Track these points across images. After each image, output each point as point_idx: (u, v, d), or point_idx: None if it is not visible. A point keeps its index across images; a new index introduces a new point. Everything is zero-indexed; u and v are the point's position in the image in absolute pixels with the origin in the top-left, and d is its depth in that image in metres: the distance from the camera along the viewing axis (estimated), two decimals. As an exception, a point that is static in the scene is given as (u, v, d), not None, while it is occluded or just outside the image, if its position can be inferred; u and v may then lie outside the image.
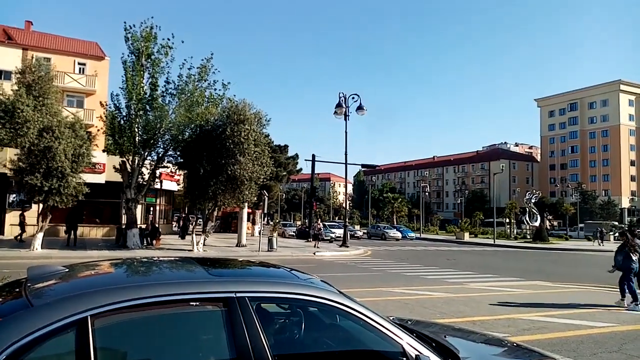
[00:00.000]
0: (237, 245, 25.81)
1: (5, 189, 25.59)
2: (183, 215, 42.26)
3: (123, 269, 2.75)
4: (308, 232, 34.61)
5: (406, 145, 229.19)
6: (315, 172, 34.73)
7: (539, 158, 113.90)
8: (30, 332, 1.76)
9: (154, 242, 23.38)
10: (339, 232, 35.75)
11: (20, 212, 23.02)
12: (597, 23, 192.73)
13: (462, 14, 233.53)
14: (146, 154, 22.62)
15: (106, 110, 22.98)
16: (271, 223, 35.16)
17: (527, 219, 49.28)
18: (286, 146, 54.31)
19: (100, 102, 24.21)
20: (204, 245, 22.16)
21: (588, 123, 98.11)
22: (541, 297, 11.54)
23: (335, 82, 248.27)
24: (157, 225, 25.89)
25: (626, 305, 10.23)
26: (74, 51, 39.36)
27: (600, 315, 9.21)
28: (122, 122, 22.35)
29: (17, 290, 2.22)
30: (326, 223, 44.16)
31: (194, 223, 27.92)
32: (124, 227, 22.82)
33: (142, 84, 21.95)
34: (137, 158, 22.26)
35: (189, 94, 21.89)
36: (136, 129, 22.16)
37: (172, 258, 3.15)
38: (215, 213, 23.66)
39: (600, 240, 40.63)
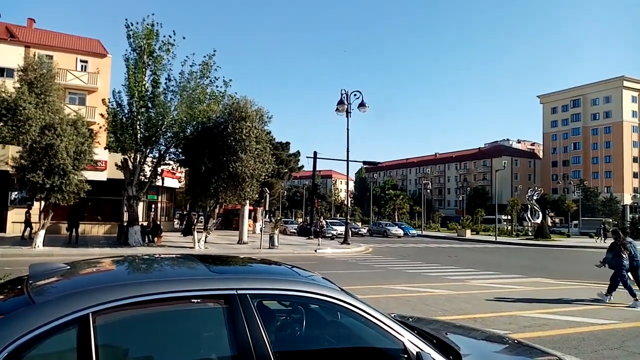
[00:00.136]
0: (238, 243, 25.83)
1: (8, 186, 25.65)
2: (185, 212, 42.38)
3: (124, 266, 2.76)
4: (309, 230, 34.62)
5: (408, 143, 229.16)
6: (317, 169, 34.71)
7: (541, 155, 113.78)
8: (32, 330, 1.77)
9: (156, 239, 23.41)
10: (341, 229, 35.77)
11: (26, 209, 23.07)
12: (599, 19, 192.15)
13: (464, 12, 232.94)
14: (148, 151, 22.63)
15: (108, 108, 23.00)
16: (273, 220, 35.20)
17: (529, 216, 49.21)
18: (288, 143, 54.30)
19: (102, 100, 24.21)
20: (205, 242, 22.18)
21: (591, 119, 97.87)
22: (542, 294, 11.53)
23: (336, 80, 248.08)
24: (158, 223, 25.92)
25: (607, 301, 10.35)
26: (76, 48, 39.40)
27: (602, 312, 9.20)
28: (124, 119, 22.35)
29: (19, 287, 2.23)
30: (328, 220, 44.18)
31: (195, 220, 27.95)
32: (125, 224, 22.86)
33: (144, 81, 21.95)
34: (138, 155, 22.27)
35: (190, 91, 21.88)
36: (138, 126, 22.16)
37: (174, 255, 3.16)
38: (216, 210, 23.68)
39: (602, 237, 40.49)
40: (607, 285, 10.73)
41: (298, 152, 56.11)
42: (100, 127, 22.77)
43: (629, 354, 6.22)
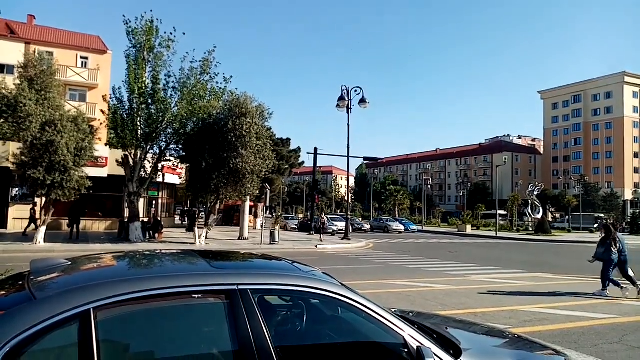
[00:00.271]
0: (239, 238, 25.86)
1: (9, 183, 25.67)
2: (186, 208, 42.36)
3: (126, 261, 2.76)
4: (310, 225, 34.65)
5: (409, 138, 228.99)
6: (318, 165, 34.73)
7: (542, 150, 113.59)
8: (33, 325, 1.77)
9: (157, 235, 23.45)
10: (341, 225, 35.77)
11: (31, 206, 23.10)
12: (600, 15, 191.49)
13: (464, 10, 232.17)
14: (148, 147, 22.63)
15: (109, 104, 22.99)
16: (273, 216, 35.19)
17: (530, 211, 49.23)
18: (288, 139, 54.15)
19: (103, 96, 24.20)
20: (206, 238, 22.21)
21: (591, 115, 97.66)
22: (543, 289, 11.55)
23: (336, 76, 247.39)
24: (159, 219, 25.96)
25: (607, 294, 10.50)
26: (77, 45, 39.35)
27: (601, 307, 9.22)
28: (124, 115, 22.34)
29: (21, 283, 2.24)
30: (328, 216, 44.16)
31: (196, 217, 27.97)
32: (126, 220, 22.89)
33: (144, 78, 21.93)
34: (139, 152, 22.27)
35: (191, 87, 21.86)
36: (138, 123, 22.16)
37: (175, 251, 3.17)
38: (217, 206, 23.71)
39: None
40: (602, 281, 10.84)
41: (299, 148, 55.93)
42: (101, 124, 22.76)
43: (628, 348, 6.24)
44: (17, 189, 26.23)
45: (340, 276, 3.18)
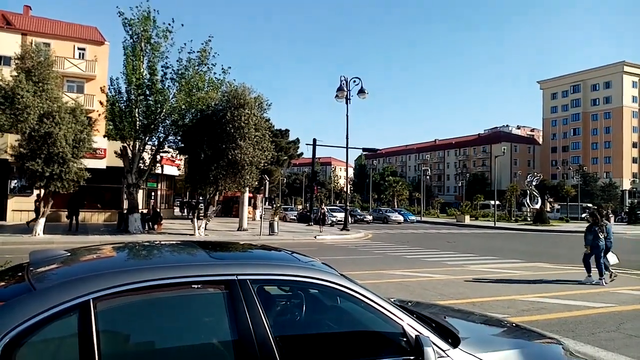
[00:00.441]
0: (238, 230, 25.90)
1: (7, 175, 25.62)
2: (185, 199, 42.33)
3: (125, 252, 2.77)
4: (309, 216, 34.68)
5: (407, 129, 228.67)
6: (317, 156, 34.63)
7: (540, 141, 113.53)
8: (33, 316, 1.78)
9: (156, 226, 23.47)
10: (340, 215, 35.80)
11: (36, 198, 23.08)
12: (599, 5, 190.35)
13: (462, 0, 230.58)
14: (147, 139, 22.55)
15: (107, 95, 22.88)
16: (272, 207, 35.23)
17: (528, 201, 49.30)
18: (287, 130, 54.17)
19: (101, 88, 24.07)
20: (205, 229, 22.24)
21: (590, 105, 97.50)
22: (541, 278, 11.61)
23: (336, 67, 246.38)
24: (158, 210, 25.96)
25: (605, 283, 10.73)
26: (74, 36, 39.06)
27: (599, 296, 9.27)
28: (122, 107, 22.26)
29: (20, 274, 2.24)
30: (328, 207, 44.16)
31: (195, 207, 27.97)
32: (125, 212, 22.89)
33: (141, 69, 21.80)
34: (137, 143, 22.21)
35: (189, 78, 21.75)
36: (137, 114, 22.07)
37: (174, 242, 3.17)
38: (216, 197, 23.71)
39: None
40: (597, 270, 11.04)
41: (297, 140, 56.04)
42: (99, 115, 22.67)
43: (625, 336, 6.29)
44: (15, 181, 26.19)
45: (339, 266, 3.19)
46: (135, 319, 2.11)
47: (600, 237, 11.10)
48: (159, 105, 21.54)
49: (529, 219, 47.08)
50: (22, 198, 26.12)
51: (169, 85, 21.91)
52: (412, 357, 2.21)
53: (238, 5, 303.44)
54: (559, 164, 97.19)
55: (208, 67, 22.36)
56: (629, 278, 12.13)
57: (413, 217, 50.15)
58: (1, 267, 4.73)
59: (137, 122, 22.04)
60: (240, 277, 2.17)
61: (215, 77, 22.91)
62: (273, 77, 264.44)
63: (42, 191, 19.33)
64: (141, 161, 22.40)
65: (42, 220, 18.86)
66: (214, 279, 2.16)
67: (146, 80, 21.75)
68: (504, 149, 63.36)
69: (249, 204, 33.10)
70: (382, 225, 41.22)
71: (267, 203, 41.30)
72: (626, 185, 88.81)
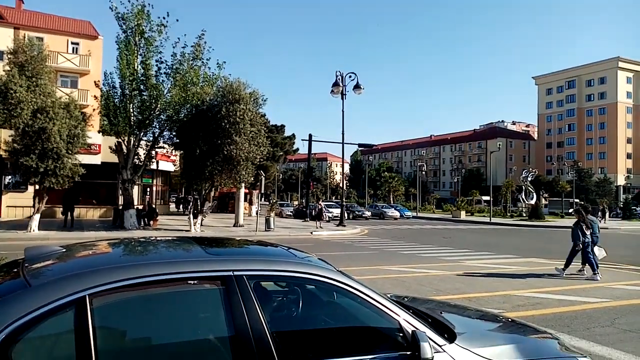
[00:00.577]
0: (234, 226, 25.87)
1: (1, 170, 25.48)
2: (181, 195, 42.17)
3: (121, 248, 2.75)
4: (305, 212, 34.68)
5: (403, 125, 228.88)
6: (312, 152, 34.67)
7: (535, 136, 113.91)
8: (28, 312, 1.77)
9: (151, 222, 23.41)
10: (336, 211, 35.82)
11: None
12: (595, 1, 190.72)
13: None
14: (142, 134, 22.47)
15: (101, 90, 22.75)
16: (269, 203, 35.19)
17: (523, 197, 49.44)
18: (283, 126, 53.85)
19: (95, 82, 23.93)
20: (201, 225, 22.20)
21: (585, 101, 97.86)
22: (536, 274, 11.67)
23: (331, 62, 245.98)
24: (154, 206, 25.89)
25: (599, 278, 10.80)
26: (67, 30, 38.78)
27: (593, 291, 9.34)
28: (116, 102, 22.14)
29: (15, 270, 2.22)
30: (324, 203, 44.11)
31: (192, 203, 27.91)
32: (120, 208, 22.81)
33: (135, 64, 21.68)
34: (132, 139, 22.12)
35: (184, 73, 21.65)
36: (131, 109, 21.97)
37: (170, 238, 3.16)
38: (212, 193, 23.65)
39: (601, 218, 40.50)
40: (589, 267, 11.23)
41: (293, 135, 55.74)
42: (94, 110, 22.55)
43: (620, 331, 6.33)
44: (9, 177, 26.06)
45: (335, 262, 3.19)
46: (132, 314, 2.11)
47: (587, 233, 11.37)
48: (154, 100, 21.44)
49: (524, 215, 47.24)
50: (17, 194, 25.99)
51: (163, 80, 21.81)
52: (408, 353, 2.22)
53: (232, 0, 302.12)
54: (554, 160, 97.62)
55: (202, 62, 22.30)
56: (623, 273, 12.23)
57: (409, 213, 50.21)
58: (-4, 264, 4.70)
59: (132, 118, 21.94)
60: (236, 273, 2.16)
61: (210, 72, 22.84)
62: (268, 72, 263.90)
63: (31, 187, 19.22)
64: (136, 157, 22.31)
65: (37, 216, 18.78)
66: (211, 275, 2.16)
67: (140, 75, 21.63)
68: (500, 144, 63.55)
69: (245, 200, 33.07)
70: (378, 221, 41.27)
71: (263, 199, 41.17)
72: (620, 180, 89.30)
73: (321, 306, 2.64)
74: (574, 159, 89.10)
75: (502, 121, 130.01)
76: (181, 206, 43.16)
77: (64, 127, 17.88)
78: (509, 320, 3.58)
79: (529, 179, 49.26)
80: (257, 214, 25.40)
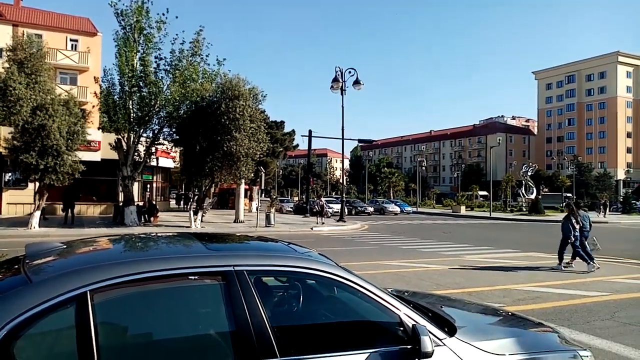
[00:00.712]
0: (234, 222, 25.89)
1: (1, 168, 25.47)
2: (181, 192, 42.12)
3: (122, 244, 2.76)
4: (305, 208, 34.69)
5: (403, 120, 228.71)
6: (312, 147, 34.64)
7: (535, 131, 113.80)
8: (30, 308, 1.77)
9: (152, 219, 23.42)
10: (337, 207, 35.82)
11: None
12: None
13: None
14: (141, 131, 22.43)
15: (100, 87, 22.70)
16: (268, 199, 35.18)
17: (523, 191, 49.48)
18: (282, 122, 53.97)
19: (95, 78, 23.87)
20: (201, 221, 22.22)
21: (585, 95, 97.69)
22: (536, 267, 11.70)
23: (331, 57, 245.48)
24: (154, 203, 25.90)
25: (594, 270, 11.04)
26: (66, 27, 38.68)
27: (593, 285, 9.35)
28: (116, 98, 22.10)
29: (16, 267, 2.23)
30: (325, 199, 44.08)
31: (192, 199, 27.91)
32: (121, 204, 22.82)
33: (134, 60, 21.62)
34: (132, 135, 22.09)
35: (183, 69, 21.59)
36: (131, 106, 21.93)
37: (171, 234, 3.16)
38: (212, 189, 23.65)
39: (602, 212, 40.47)
40: (581, 260, 11.42)
41: (293, 131, 55.84)
42: (93, 107, 22.52)
43: (619, 325, 6.35)
44: (10, 174, 26.03)
45: (336, 257, 3.19)
46: (133, 310, 2.11)
47: (576, 227, 11.54)
48: (153, 97, 21.39)
49: (524, 209, 47.26)
50: (17, 191, 25.99)
51: (162, 77, 21.74)
52: (409, 346, 2.22)
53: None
54: (554, 154, 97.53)
55: (202, 58, 22.20)
56: (623, 267, 12.25)
57: (409, 208, 50.26)
58: (-3, 260, 4.71)
59: (132, 114, 21.90)
60: (237, 268, 2.17)
61: (210, 69, 22.77)
62: (268, 68, 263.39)
63: (31, 184, 19.21)
64: (136, 153, 22.29)
65: (37, 213, 18.79)
66: (211, 270, 2.16)
67: (139, 72, 21.57)
68: (499, 139, 63.56)
69: (245, 196, 33.04)
70: (378, 216, 41.30)
71: (263, 195, 41.15)
72: (620, 175, 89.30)
73: (322, 301, 2.65)
74: (574, 154, 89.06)
75: (502, 116, 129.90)
76: (181, 202, 43.17)
77: (64, 124, 17.86)
78: (509, 314, 3.60)
79: (529, 173, 49.29)
80: (257, 210, 25.41)
